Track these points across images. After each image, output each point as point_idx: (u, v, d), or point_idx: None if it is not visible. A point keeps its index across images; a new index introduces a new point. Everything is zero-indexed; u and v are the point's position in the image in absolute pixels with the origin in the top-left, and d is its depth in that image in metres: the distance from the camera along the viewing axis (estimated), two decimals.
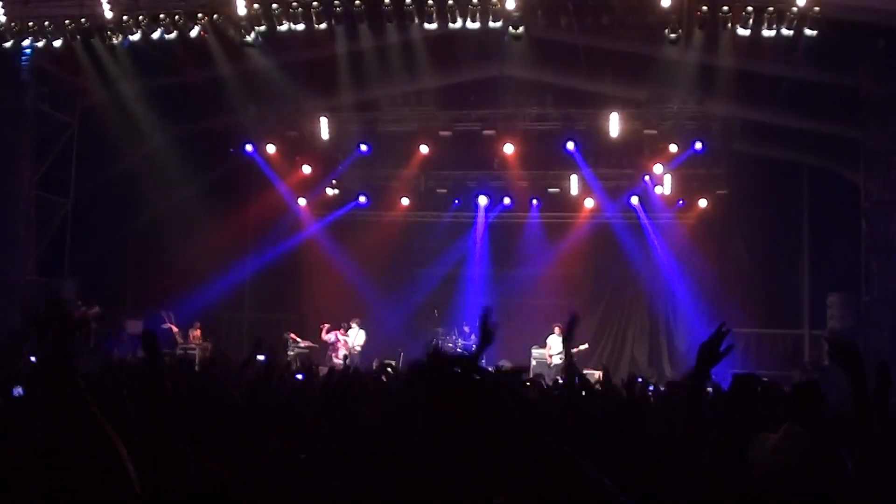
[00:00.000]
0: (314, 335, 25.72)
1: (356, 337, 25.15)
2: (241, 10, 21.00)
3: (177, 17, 21.53)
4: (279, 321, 27.14)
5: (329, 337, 25.09)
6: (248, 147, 27.02)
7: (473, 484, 3.37)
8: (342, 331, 25.22)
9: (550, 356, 24.06)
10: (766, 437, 4.18)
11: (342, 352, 24.49)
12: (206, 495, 3.02)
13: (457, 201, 27.88)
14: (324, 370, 15.49)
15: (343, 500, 4.17)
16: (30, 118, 24.20)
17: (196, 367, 14.48)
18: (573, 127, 25.54)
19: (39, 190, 24.63)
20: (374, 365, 21.99)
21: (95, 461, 2.80)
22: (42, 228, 24.83)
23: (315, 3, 20.85)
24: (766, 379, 6.33)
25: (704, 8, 19.88)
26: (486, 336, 5.04)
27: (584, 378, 9.37)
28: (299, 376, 13.74)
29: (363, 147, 26.79)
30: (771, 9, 19.60)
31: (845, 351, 4.77)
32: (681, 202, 26.25)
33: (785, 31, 19.75)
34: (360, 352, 24.79)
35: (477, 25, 20.93)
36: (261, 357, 12.64)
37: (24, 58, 23.39)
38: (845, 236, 23.85)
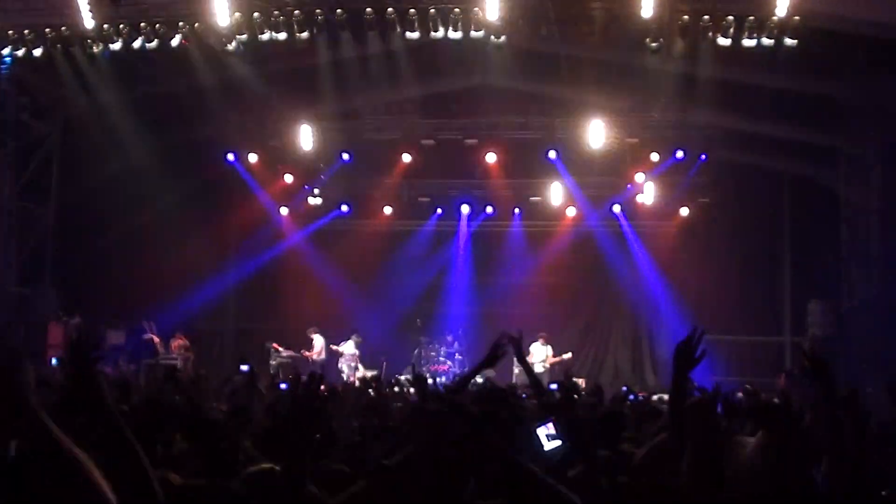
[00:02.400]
0: (297, 344, 25.71)
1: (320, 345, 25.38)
2: (223, 20, 20.88)
3: (158, 25, 21.32)
4: (261, 331, 27.09)
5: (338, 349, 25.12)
6: (230, 156, 26.89)
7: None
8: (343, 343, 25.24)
9: (533, 364, 23.88)
10: (743, 440, 4.19)
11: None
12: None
13: (439, 210, 27.99)
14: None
15: None
16: (10, 128, 23.99)
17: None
18: (555, 136, 25.65)
19: (20, 200, 24.47)
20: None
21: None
22: (23, 238, 24.64)
23: (297, 13, 20.75)
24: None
25: (685, 17, 19.93)
26: (492, 360, 5.10)
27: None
28: (283, 386, 13.82)
29: (345, 156, 26.80)
30: (752, 18, 19.63)
31: (818, 363, 4.84)
32: (663, 210, 26.34)
33: (765, 41, 19.78)
34: (322, 360, 25.06)
35: (459, 35, 20.84)
36: (244, 367, 12.62)
37: (3, 67, 23.19)
38: (825, 244, 23.91)
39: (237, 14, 20.87)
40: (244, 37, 21.31)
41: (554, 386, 13.36)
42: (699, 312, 24.62)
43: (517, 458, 2.45)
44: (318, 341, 25.33)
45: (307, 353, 25.12)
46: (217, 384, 13.60)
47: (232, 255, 28.69)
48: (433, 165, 26.82)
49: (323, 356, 25.15)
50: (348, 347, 25.14)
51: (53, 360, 22.61)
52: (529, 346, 23.93)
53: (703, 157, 25.09)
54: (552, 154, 25.67)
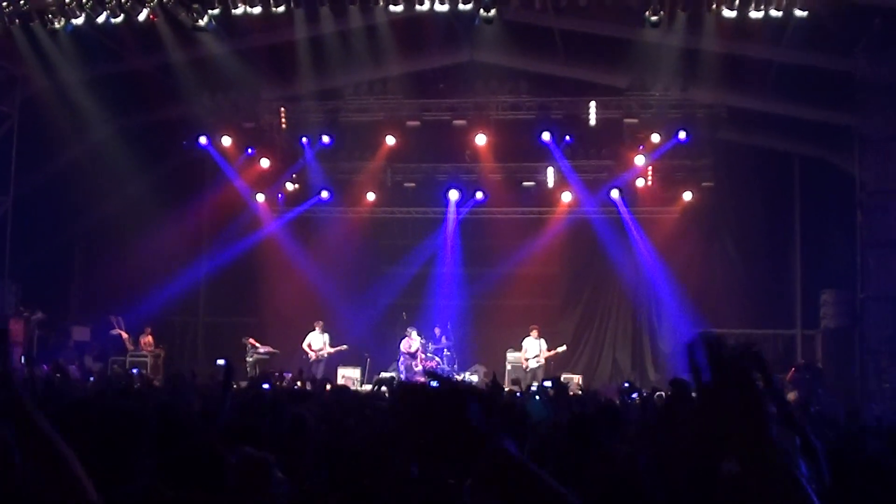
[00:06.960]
0: (274, 340, 25.43)
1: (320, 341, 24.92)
2: None
3: None
4: (237, 326, 26.77)
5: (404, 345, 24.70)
6: (202, 139, 26.42)
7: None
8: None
9: (526, 360, 24.10)
10: None
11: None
12: None
13: (426, 196, 27.33)
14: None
15: None
16: None
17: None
18: (549, 116, 25.37)
19: None
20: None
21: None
22: None
23: None
24: None
25: None
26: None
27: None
28: (266, 386, 13.49)
29: (325, 138, 26.32)
30: None
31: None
32: (664, 195, 25.86)
33: (774, 13, 19.32)
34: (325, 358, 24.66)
35: (446, 8, 20.61)
36: (220, 361, 12.51)
37: None
38: (839, 230, 23.79)
39: None
40: (216, 11, 21.01)
41: (548, 383, 12.84)
42: (703, 304, 24.64)
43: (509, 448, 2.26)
44: (312, 338, 24.80)
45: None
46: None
47: (205, 245, 28.40)
48: (419, 148, 26.36)
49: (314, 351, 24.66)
50: (406, 345, 24.55)
51: (22, 358, 22.32)
52: (522, 340, 24.16)
53: (707, 137, 24.85)
54: (546, 136, 25.26)
